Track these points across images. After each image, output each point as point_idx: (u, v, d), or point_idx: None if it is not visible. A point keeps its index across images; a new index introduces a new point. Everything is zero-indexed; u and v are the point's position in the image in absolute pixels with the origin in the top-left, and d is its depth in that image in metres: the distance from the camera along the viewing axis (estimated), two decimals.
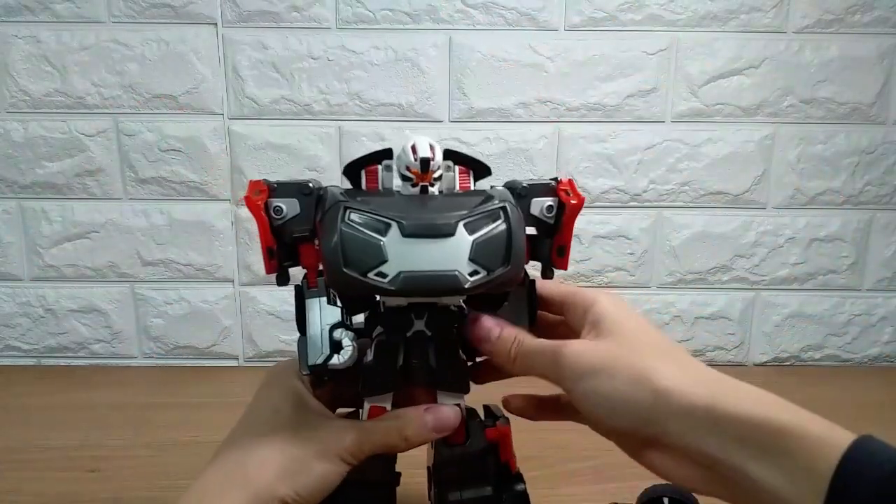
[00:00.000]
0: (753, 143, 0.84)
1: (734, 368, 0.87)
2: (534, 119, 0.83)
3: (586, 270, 0.87)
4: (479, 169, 0.39)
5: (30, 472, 0.59)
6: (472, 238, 0.32)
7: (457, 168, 0.38)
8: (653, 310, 0.88)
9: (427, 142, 0.35)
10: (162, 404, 0.74)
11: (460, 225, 0.32)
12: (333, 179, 0.83)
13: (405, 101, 0.82)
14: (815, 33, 0.82)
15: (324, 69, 0.81)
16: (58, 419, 0.70)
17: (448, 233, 0.32)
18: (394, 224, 0.32)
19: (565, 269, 0.38)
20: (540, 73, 0.82)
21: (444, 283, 0.32)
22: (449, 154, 0.37)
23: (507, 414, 0.42)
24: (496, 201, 0.33)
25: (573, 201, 0.37)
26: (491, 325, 0.37)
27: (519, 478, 0.41)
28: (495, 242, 0.32)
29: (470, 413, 0.40)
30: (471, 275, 0.32)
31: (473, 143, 0.83)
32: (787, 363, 0.90)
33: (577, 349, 0.34)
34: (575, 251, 0.86)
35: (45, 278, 0.86)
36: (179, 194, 0.84)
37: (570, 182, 0.38)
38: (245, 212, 0.84)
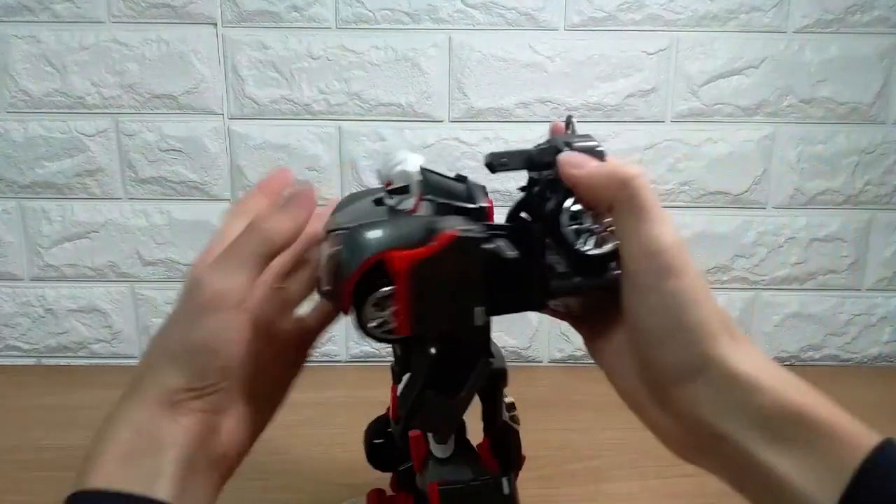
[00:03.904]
0: (753, 143, 0.84)
1: None
2: (534, 119, 0.83)
3: None
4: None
5: (30, 472, 0.59)
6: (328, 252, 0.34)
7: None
8: None
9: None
10: None
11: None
12: (333, 179, 0.83)
13: (405, 101, 0.82)
14: (815, 33, 0.82)
15: (324, 69, 0.81)
16: (58, 419, 0.70)
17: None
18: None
19: None
20: (540, 73, 0.82)
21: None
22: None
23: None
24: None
25: None
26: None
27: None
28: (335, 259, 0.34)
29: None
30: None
31: (473, 142, 0.83)
32: (787, 363, 0.90)
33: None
34: None
35: (45, 278, 0.86)
36: (179, 194, 0.84)
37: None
38: None
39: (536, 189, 0.35)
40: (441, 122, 0.83)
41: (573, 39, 0.81)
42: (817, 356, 0.90)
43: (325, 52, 0.81)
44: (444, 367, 0.35)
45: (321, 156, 0.83)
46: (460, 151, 0.83)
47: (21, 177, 0.83)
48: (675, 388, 0.30)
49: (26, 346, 0.88)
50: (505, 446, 0.41)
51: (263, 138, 0.83)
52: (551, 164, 0.34)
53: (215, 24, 0.80)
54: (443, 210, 0.35)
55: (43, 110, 0.82)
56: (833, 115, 0.84)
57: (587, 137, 0.35)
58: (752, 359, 0.29)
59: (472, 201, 0.35)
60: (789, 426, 0.27)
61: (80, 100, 0.81)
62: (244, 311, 0.32)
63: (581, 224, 0.33)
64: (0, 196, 0.84)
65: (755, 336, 0.89)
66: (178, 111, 0.82)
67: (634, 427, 0.33)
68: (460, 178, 0.38)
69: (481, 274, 0.32)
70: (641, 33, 0.81)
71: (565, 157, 0.33)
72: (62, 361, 0.88)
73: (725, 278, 0.88)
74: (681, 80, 0.83)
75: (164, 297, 0.87)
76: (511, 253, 0.33)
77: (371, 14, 0.80)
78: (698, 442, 0.30)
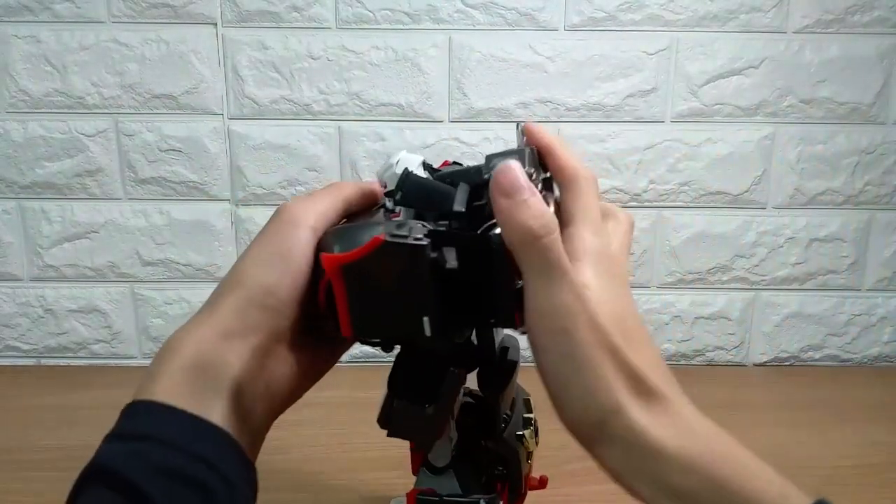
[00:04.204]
0: (753, 143, 0.84)
1: (734, 368, 0.87)
2: (534, 119, 0.83)
3: None
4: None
5: (30, 472, 0.59)
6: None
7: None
8: (652, 310, 0.88)
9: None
10: None
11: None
12: (332, 180, 0.83)
13: (405, 101, 0.82)
14: (815, 33, 0.82)
15: (324, 69, 0.81)
16: (58, 419, 0.70)
17: None
18: None
19: None
20: (540, 73, 0.82)
21: None
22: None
23: None
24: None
25: None
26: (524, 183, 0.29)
27: None
28: None
29: None
30: None
31: (473, 142, 0.83)
32: (787, 363, 0.90)
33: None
34: None
35: (45, 278, 0.86)
36: (179, 194, 0.84)
37: None
38: (245, 212, 0.84)
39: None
40: (441, 122, 0.83)
41: (573, 40, 0.81)
42: (817, 356, 0.90)
43: (325, 53, 0.81)
44: (411, 375, 0.34)
45: (321, 156, 0.83)
46: (460, 152, 0.83)
47: (21, 177, 0.83)
48: (585, 444, 0.30)
49: (26, 347, 0.88)
50: (500, 464, 0.39)
51: (263, 138, 0.83)
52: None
53: (215, 25, 0.80)
54: (419, 215, 0.34)
55: (43, 110, 0.82)
56: (833, 116, 0.84)
57: (509, 160, 0.31)
58: (663, 421, 0.28)
59: (450, 206, 0.32)
60: (706, 499, 0.26)
61: (80, 100, 0.81)
62: (318, 236, 0.34)
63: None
64: (0, 196, 0.84)
65: (755, 336, 0.89)
66: (177, 111, 0.82)
67: None
68: (447, 179, 0.35)
69: (424, 282, 0.30)
70: (641, 33, 0.81)
71: (494, 184, 0.30)
72: (62, 362, 0.88)
73: (725, 278, 0.88)
74: (681, 81, 0.83)
75: (164, 297, 0.87)
76: (452, 263, 0.30)
77: (371, 14, 0.80)
78: (626, 490, 0.29)
